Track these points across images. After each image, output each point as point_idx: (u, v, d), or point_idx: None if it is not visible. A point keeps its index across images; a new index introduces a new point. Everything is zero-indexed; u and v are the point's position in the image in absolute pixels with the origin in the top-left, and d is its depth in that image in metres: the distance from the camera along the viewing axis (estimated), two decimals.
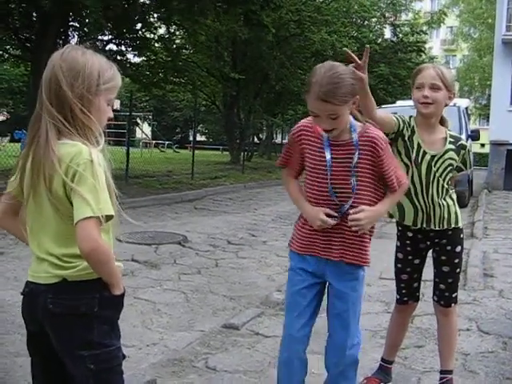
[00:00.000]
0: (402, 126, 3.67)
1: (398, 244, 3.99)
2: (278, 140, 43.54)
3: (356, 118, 3.09)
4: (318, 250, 3.17)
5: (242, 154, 28.71)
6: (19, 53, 21.80)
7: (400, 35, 41.51)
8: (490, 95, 30.42)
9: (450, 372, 3.99)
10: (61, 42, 18.97)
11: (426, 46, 43.80)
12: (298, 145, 3.20)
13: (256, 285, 6.83)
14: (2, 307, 5.54)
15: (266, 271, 7.52)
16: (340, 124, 2.97)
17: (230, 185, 19.49)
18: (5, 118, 27.72)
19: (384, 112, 3.62)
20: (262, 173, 25.53)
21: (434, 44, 65.72)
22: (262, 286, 6.73)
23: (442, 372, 4.02)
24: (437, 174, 3.71)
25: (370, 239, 3.20)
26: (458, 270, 3.90)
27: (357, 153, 3.03)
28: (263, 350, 4.72)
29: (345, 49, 3.17)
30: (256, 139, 45.48)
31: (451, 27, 64.46)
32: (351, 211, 3.04)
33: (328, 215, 3.09)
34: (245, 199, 16.41)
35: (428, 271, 4.00)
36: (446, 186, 3.76)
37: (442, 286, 3.90)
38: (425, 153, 3.69)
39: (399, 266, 3.99)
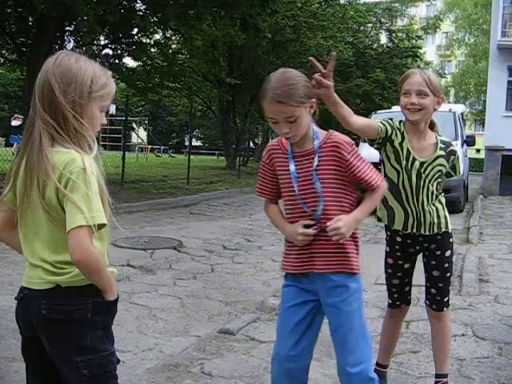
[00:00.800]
0: (390, 131, 3.64)
1: (388, 249, 3.99)
2: None
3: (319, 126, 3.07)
4: (306, 266, 3.10)
5: (238, 158, 28.77)
6: (15, 57, 21.81)
7: (396, 41, 41.63)
8: (485, 101, 30.49)
9: (445, 376, 3.99)
10: (57, 46, 18.98)
11: (422, 51, 43.90)
12: (269, 166, 3.17)
13: (252, 290, 6.83)
14: None
15: (262, 276, 7.51)
16: (299, 127, 2.92)
17: (225, 190, 19.48)
18: (19, 123, 27.55)
19: (363, 119, 3.58)
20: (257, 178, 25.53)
21: (430, 49, 65.86)
22: (258, 292, 6.73)
23: (437, 376, 4.02)
24: (426, 181, 3.71)
25: (356, 246, 3.10)
26: (449, 274, 3.89)
27: (316, 157, 2.99)
28: (259, 356, 4.72)
29: (310, 58, 3.09)
30: (252, 144, 45.51)
31: (446, 33, 64.57)
32: (328, 223, 2.96)
33: (307, 226, 3.04)
34: (240, 204, 16.41)
35: (422, 276, 4.00)
36: (435, 191, 3.76)
37: (432, 290, 3.91)
38: (414, 159, 3.68)
39: (390, 271, 4.00)
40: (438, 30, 47.80)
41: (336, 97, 3.16)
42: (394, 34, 42.54)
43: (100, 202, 2.22)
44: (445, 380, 3.97)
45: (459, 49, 61.81)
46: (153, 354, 4.73)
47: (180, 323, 5.54)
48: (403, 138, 3.68)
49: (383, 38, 45.21)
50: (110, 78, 2.42)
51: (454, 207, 15.54)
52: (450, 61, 70.07)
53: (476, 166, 35.59)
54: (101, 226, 2.22)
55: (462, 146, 16.53)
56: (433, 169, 3.71)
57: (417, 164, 3.68)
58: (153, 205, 13.96)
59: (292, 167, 3.05)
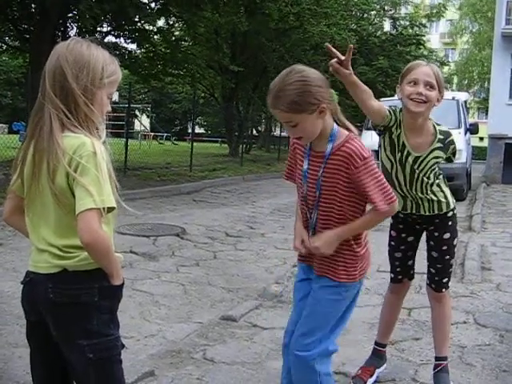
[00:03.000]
0: (393, 122, 3.59)
1: (391, 221, 3.98)
2: (277, 133, 43.48)
3: (344, 126, 2.95)
4: (305, 259, 3.13)
5: (241, 146, 28.73)
6: (18, 44, 21.78)
7: (399, 28, 41.50)
8: (488, 89, 30.38)
9: (445, 358, 4.00)
10: (59, 33, 18.96)
11: (425, 39, 43.76)
12: (292, 156, 3.14)
13: (254, 277, 6.84)
14: (1, 298, 5.55)
15: (265, 263, 7.53)
16: (303, 132, 2.84)
17: (228, 177, 19.47)
18: None
19: (379, 104, 3.52)
20: (260, 165, 25.52)
21: (433, 37, 65.63)
22: (260, 278, 6.75)
23: (436, 359, 4.03)
24: (421, 175, 3.68)
25: (355, 254, 3.00)
26: (448, 256, 3.87)
27: (323, 165, 2.91)
28: (261, 342, 4.74)
29: (327, 44, 3.03)
30: (255, 132, 45.48)
31: (450, 20, 64.33)
32: (309, 240, 2.99)
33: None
34: (243, 191, 16.41)
35: (424, 264, 4.00)
36: (430, 181, 3.72)
37: (431, 269, 3.92)
38: (409, 153, 3.64)
39: (392, 243, 3.99)
40: (442, 17, 47.61)
41: (356, 81, 3.15)
42: (397, 22, 42.43)
43: (109, 185, 2.23)
44: (444, 363, 3.98)
45: (463, 37, 61.61)
46: (155, 340, 4.75)
47: (183, 310, 5.56)
48: (400, 131, 3.63)
49: (387, 26, 45.10)
50: (117, 65, 2.44)
51: (456, 195, 15.38)
52: (453, 49, 69.82)
53: (479, 154, 35.58)
54: (110, 210, 2.23)
55: (466, 134, 16.51)
56: (427, 163, 3.66)
57: (410, 159, 3.65)
58: (156, 192, 13.97)
59: (305, 166, 3.01)
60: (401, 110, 3.66)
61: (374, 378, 4.04)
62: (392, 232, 3.98)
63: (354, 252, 2.99)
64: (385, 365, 4.18)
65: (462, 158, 15.48)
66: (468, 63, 60.07)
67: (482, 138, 38.22)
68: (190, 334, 4.91)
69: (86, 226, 2.17)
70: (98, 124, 2.34)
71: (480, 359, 4.54)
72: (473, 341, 4.92)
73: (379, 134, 3.72)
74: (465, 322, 5.37)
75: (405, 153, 3.64)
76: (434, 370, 3.99)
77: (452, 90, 48.89)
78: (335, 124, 2.92)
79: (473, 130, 17.18)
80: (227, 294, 6.16)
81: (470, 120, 24.47)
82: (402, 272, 4.03)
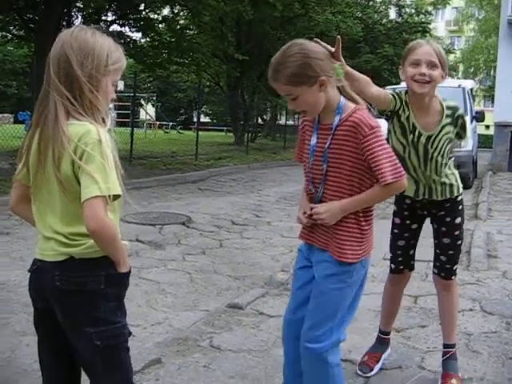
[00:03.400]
0: (398, 105, 3.56)
1: (395, 208, 3.94)
2: (282, 121, 43.40)
3: (352, 99, 2.92)
4: (307, 236, 3.09)
5: (246, 135, 28.68)
6: (23, 33, 21.76)
7: (405, 16, 41.34)
8: (494, 76, 30.26)
9: (453, 346, 4.00)
10: (64, 22, 18.94)
11: (431, 26, 43.57)
12: (302, 134, 3.12)
13: (260, 265, 6.85)
14: (7, 287, 5.58)
15: (271, 251, 7.54)
16: (304, 105, 2.84)
17: (234, 166, 19.49)
18: None
19: (379, 90, 3.47)
20: (266, 154, 25.51)
21: (439, 25, 65.37)
22: (267, 267, 6.76)
23: (444, 346, 4.02)
24: (435, 154, 3.64)
25: (362, 230, 2.93)
26: (459, 242, 3.85)
27: (330, 137, 2.88)
28: (267, 330, 4.75)
29: (315, 39, 2.99)
30: (260, 120, 45.40)
31: (456, 8, 64.07)
32: (312, 205, 2.96)
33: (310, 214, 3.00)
34: (249, 180, 16.41)
35: (430, 251, 4.00)
36: (444, 161, 3.69)
37: (442, 257, 3.87)
38: (420, 134, 3.61)
39: (396, 231, 3.94)
40: (447, 4, 47.38)
41: (349, 70, 3.10)
42: (403, 9, 42.25)
43: (115, 173, 2.23)
44: (453, 350, 3.98)
45: (469, 24, 61.34)
46: (162, 328, 4.77)
47: (189, 298, 5.57)
48: (409, 112, 3.59)
49: (392, 14, 44.91)
50: (122, 52, 2.43)
51: (463, 183, 15.31)
52: (459, 36, 69.54)
53: (485, 142, 35.47)
54: (115, 198, 2.24)
55: (472, 121, 16.47)
56: (440, 140, 3.63)
57: (423, 139, 3.62)
58: (161, 181, 13.99)
59: (313, 140, 2.98)
60: (406, 92, 3.63)
61: (380, 363, 4.07)
62: (396, 219, 3.94)
63: (362, 229, 2.93)
64: (389, 350, 4.20)
65: (468, 145, 15.45)
66: (474, 51, 59.81)
67: (488, 126, 38.11)
68: (196, 321, 4.93)
69: (91, 213, 2.17)
70: (104, 111, 2.34)
71: (486, 346, 4.55)
72: (479, 328, 4.93)
73: (387, 120, 3.70)
74: (471, 310, 5.37)
75: (416, 133, 3.61)
76: (443, 357, 3.99)
77: (458, 78, 48.71)
78: (342, 97, 2.90)
79: (479, 117, 17.13)
80: (233, 282, 6.17)
81: (476, 108, 24.36)
82: (403, 262, 4.00)
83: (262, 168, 20.37)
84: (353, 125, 2.80)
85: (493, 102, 30.31)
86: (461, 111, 3.72)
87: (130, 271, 2.42)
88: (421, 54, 3.52)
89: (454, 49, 55.50)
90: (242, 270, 6.66)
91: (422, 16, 41.72)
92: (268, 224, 9.55)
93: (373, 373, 3.99)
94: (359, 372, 3.98)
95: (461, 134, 3.79)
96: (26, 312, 4.71)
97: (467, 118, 15.83)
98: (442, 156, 3.68)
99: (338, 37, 3.01)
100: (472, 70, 60.40)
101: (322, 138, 2.94)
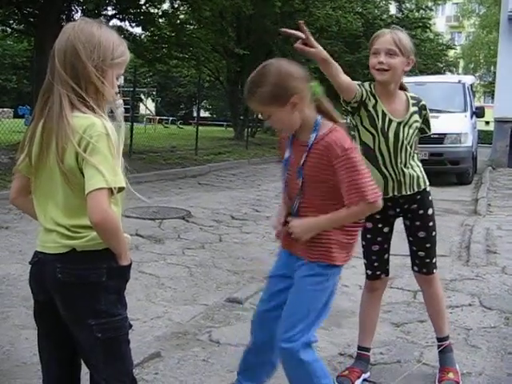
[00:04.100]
0: (364, 95, 3.57)
1: None
2: None
3: (329, 115, 2.95)
4: (287, 244, 3.12)
5: (246, 129, 28.66)
6: (22, 28, 21.72)
7: (405, 11, 41.26)
8: (495, 72, 30.24)
9: (447, 338, 3.99)
10: (64, 16, 18.91)
11: (431, 22, 43.51)
12: (281, 143, 3.16)
13: (259, 259, 6.86)
14: (7, 280, 5.59)
15: (270, 246, 7.53)
16: (278, 124, 2.91)
17: (233, 160, 19.50)
18: None
19: (347, 78, 3.47)
20: (265, 149, 25.48)
21: (439, 20, 65.28)
22: (266, 261, 6.75)
23: (438, 340, 4.02)
24: (405, 141, 3.64)
25: (345, 236, 2.98)
26: (434, 233, 3.82)
27: (305, 154, 2.91)
28: None
29: (283, 29, 2.99)
30: (260, 115, 45.35)
31: (457, 3, 63.99)
32: (289, 218, 3.00)
33: (285, 221, 3.06)
34: (249, 175, 16.42)
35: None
36: (412, 150, 3.71)
37: (420, 253, 3.84)
38: (390, 121, 3.61)
39: (369, 236, 3.87)
40: (448, 0, 47.31)
41: (325, 55, 3.12)
42: (403, 5, 42.17)
43: (119, 165, 2.24)
44: (447, 342, 3.98)
45: (469, 19, 61.26)
46: (161, 322, 4.78)
47: (188, 292, 5.58)
48: (376, 101, 3.61)
49: (392, 9, 44.81)
50: (126, 46, 2.44)
51: (462, 179, 15.55)
52: (459, 32, 69.45)
53: (485, 138, 35.41)
54: (119, 190, 2.24)
55: (471, 117, 16.48)
56: (410, 128, 3.65)
57: (394, 125, 3.62)
58: (161, 175, 14.00)
59: (287, 154, 3.04)
60: (370, 82, 3.67)
61: (360, 381, 3.88)
62: (367, 224, 3.81)
63: (347, 235, 2.98)
64: (368, 373, 3.98)
65: (467, 141, 15.49)
66: (474, 46, 59.73)
67: (488, 122, 38.08)
68: (195, 316, 4.94)
69: (95, 205, 2.17)
70: (109, 104, 2.36)
71: (485, 341, 4.56)
72: (478, 323, 4.94)
73: (353, 113, 3.68)
74: (470, 305, 5.38)
75: (386, 120, 3.62)
76: (439, 350, 3.99)
77: (458, 74, 48.71)
78: (319, 116, 2.92)
79: (479, 113, 17.16)
80: (233, 276, 6.18)
81: (476, 104, 24.36)
82: (379, 267, 3.93)
83: (262, 163, 20.38)
84: (326, 145, 2.84)
85: (493, 98, 30.27)
86: (424, 102, 3.78)
87: (130, 264, 2.43)
88: (380, 43, 3.59)
89: (454, 44, 55.43)
90: (241, 264, 6.67)
91: (422, 11, 41.64)
92: (267, 219, 9.54)
93: None
94: None
95: (425, 129, 3.84)
96: (26, 306, 4.72)
97: (467, 114, 15.92)
98: (411, 146, 3.69)
99: (301, 22, 3.03)
100: (472, 65, 60.30)
101: (296, 154, 2.98)
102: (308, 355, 2.95)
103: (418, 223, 3.79)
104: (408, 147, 3.67)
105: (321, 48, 3.07)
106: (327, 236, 2.94)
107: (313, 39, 3.01)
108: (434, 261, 3.88)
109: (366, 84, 3.65)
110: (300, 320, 2.94)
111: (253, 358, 3.29)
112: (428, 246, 3.83)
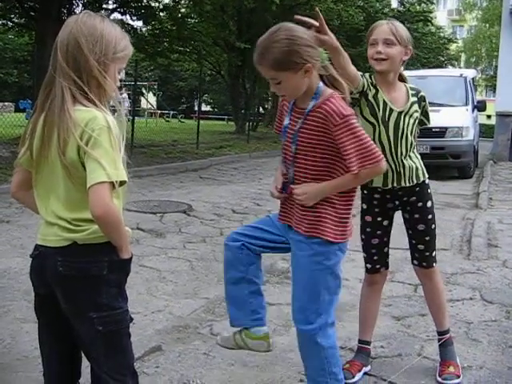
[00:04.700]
0: (366, 85, 3.60)
1: (365, 206, 3.87)
2: None
3: (334, 80, 2.98)
4: (284, 218, 3.12)
5: (247, 123, 28.63)
6: (23, 22, 21.71)
7: (407, 5, 41.18)
8: (497, 66, 30.17)
9: (447, 331, 3.99)
10: (65, 10, 18.89)
11: (433, 15, 43.43)
12: (281, 111, 3.17)
13: None
14: (8, 274, 5.59)
15: None
16: (287, 90, 2.90)
17: (235, 154, 19.50)
18: None
19: (355, 69, 3.49)
20: (267, 142, 25.46)
21: (441, 14, 65.15)
22: (267, 255, 6.67)
23: (439, 333, 4.02)
24: (406, 131, 3.65)
25: (337, 213, 2.97)
26: (433, 226, 3.82)
27: (301, 120, 2.93)
28: (268, 318, 4.71)
29: (296, 16, 2.95)
30: (261, 109, 45.33)
31: None
32: (292, 186, 3.00)
33: (282, 187, 3.08)
34: (250, 169, 16.42)
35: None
36: (413, 140, 3.72)
37: (420, 246, 3.83)
38: (391, 110, 3.63)
39: (368, 230, 3.87)
40: None
41: (337, 44, 3.10)
42: None
43: (121, 159, 2.24)
44: (447, 336, 3.98)
45: (471, 13, 61.12)
46: (162, 316, 4.78)
47: (189, 285, 5.58)
48: (377, 90, 3.64)
49: (394, 3, 44.74)
50: (128, 40, 2.44)
51: (463, 173, 15.54)
52: (461, 26, 69.34)
53: (487, 132, 35.36)
54: (121, 184, 2.24)
55: (473, 111, 16.46)
56: (411, 117, 3.68)
57: (394, 114, 3.64)
58: (162, 169, 14.00)
59: (286, 121, 3.04)
60: (370, 73, 3.71)
61: (361, 374, 3.88)
62: (367, 217, 3.85)
63: (338, 212, 2.98)
64: (369, 366, 3.98)
65: (469, 135, 15.46)
66: (476, 40, 59.59)
67: (489, 116, 38.02)
68: (196, 309, 4.95)
69: (97, 198, 2.17)
70: (110, 97, 2.35)
71: (486, 335, 4.56)
72: (479, 317, 4.94)
73: (353, 104, 3.69)
74: (471, 299, 5.38)
75: (387, 109, 3.63)
76: (439, 343, 4.00)
77: (460, 68, 48.63)
78: (321, 82, 2.94)
79: (480, 107, 17.12)
80: None
81: (478, 97, 24.32)
82: (379, 260, 3.92)
83: (263, 157, 20.36)
84: (324, 113, 2.85)
85: (495, 92, 30.22)
86: (423, 93, 3.81)
87: (131, 258, 2.43)
88: (377, 33, 3.63)
89: (456, 38, 55.35)
90: None
91: (423, 5, 41.56)
92: (268, 212, 9.50)
93: (354, 380, 3.81)
94: None
95: (424, 121, 3.85)
96: (27, 299, 4.72)
97: (469, 108, 15.90)
98: (411, 134, 3.70)
99: (317, 9, 3.06)
100: (474, 59, 60.18)
101: (294, 120, 2.99)
102: (326, 340, 2.99)
103: (416, 216, 3.79)
104: (409, 136, 3.68)
105: (333, 36, 3.06)
106: (317, 209, 2.94)
107: (326, 27, 3.00)
108: (433, 254, 3.87)
109: (367, 75, 3.68)
110: (312, 301, 2.95)
111: (233, 273, 3.34)
112: (427, 238, 3.82)
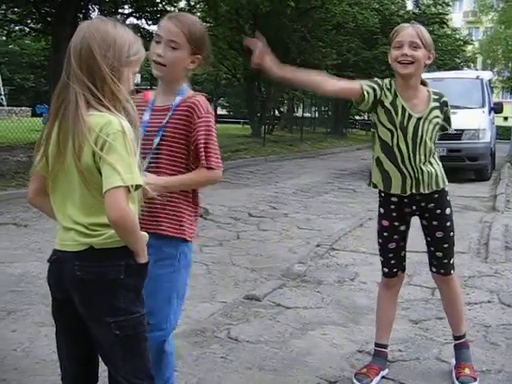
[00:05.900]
0: (379, 93, 3.57)
1: (382, 211, 3.84)
2: (299, 113, 43.26)
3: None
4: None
5: (263, 127, 28.62)
6: (40, 27, 21.84)
7: (422, 7, 41.08)
8: None
9: (463, 336, 3.98)
10: (81, 15, 19.00)
11: (448, 17, 43.26)
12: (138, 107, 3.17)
13: (277, 257, 6.86)
14: (26, 278, 5.62)
15: (287, 243, 7.54)
16: (172, 61, 2.87)
17: (250, 158, 19.50)
18: None
19: (341, 83, 3.54)
20: (283, 146, 25.45)
21: (457, 16, 64.89)
22: (284, 258, 6.76)
23: (455, 338, 4.00)
24: (425, 137, 3.62)
25: (191, 211, 3.12)
26: (452, 233, 3.79)
27: (169, 114, 2.91)
28: (285, 321, 4.75)
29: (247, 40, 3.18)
30: (277, 112, 45.32)
31: None
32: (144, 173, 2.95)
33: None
34: (266, 172, 16.42)
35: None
36: (432, 146, 3.68)
37: (438, 253, 3.81)
38: (410, 116, 3.60)
39: (385, 234, 3.84)
40: None
41: (284, 74, 3.15)
42: (420, 1, 41.98)
43: (136, 163, 2.24)
44: (463, 340, 3.96)
45: (487, 15, 60.82)
46: (180, 320, 4.75)
47: (206, 289, 5.58)
48: (396, 96, 3.61)
49: (409, 5, 44.63)
50: (141, 44, 2.44)
51: (480, 175, 15.46)
52: (477, 27, 69.00)
53: (504, 134, 35.18)
54: (137, 188, 2.25)
55: (490, 113, 16.38)
56: (430, 122, 3.63)
57: (413, 120, 3.60)
58: None
59: (145, 117, 2.97)
60: (390, 79, 3.68)
61: (378, 378, 3.86)
62: (384, 222, 3.83)
63: (192, 211, 3.10)
64: (387, 370, 3.96)
65: (486, 137, 15.39)
66: (492, 42, 59.22)
67: (506, 118, 37.89)
68: (214, 313, 4.95)
69: (113, 203, 2.18)
70: (124, 101, 2.35)
71: (504, 338, 4.53)
72: (497, 320, 4.91)
73: (369, 111, 3.69)
74: (489, 302, 5.35)
75: (406, 115, 3.60)
76: (454, 347, 3.99)
77: (476, 69, 48.42)
78: (186, 84, 3.01)
79: (497, 109, 17.03)
80: (251, 273, 6.18)
81: (495, 99, 24.21)
82: (396, 264, 3.90)
83: (279, 160, 20.35)
84: (191, 105, 2.90)
85: (511, 94, 30.08)
86: (446, 98, 3.76)
87: (148, 262, 2.43)
88: (403, 36, 3.58)
89: (471, 40, 55.09)
90: (259, 261, 6.67)
91: (439, 7, 41.45)
92: (285, 216, 9.55)
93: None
94: (356, 382, 3.78)
95: (446, 126, 3.81)
96: (45, 303, 4.73)
97: (485, 110, 15.82)
98: (431, 139, 3.66)
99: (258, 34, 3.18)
100: (490, 61, 59.87)
101: (156, 116, 2.96)
102: (170, 347, 3.09)
103: (435, 223, 3.76)
104: (428, 142, 3.64)
105: (275, 66, 3.19)
106: (178, 208, 2.99)
107: (265, 57, 3.23)
108: (451, 261, 3.85)
109: (386, 81, 3.65)
110: (164, 306, 3.00)
111: None
112: (446, 246, 3.80)
